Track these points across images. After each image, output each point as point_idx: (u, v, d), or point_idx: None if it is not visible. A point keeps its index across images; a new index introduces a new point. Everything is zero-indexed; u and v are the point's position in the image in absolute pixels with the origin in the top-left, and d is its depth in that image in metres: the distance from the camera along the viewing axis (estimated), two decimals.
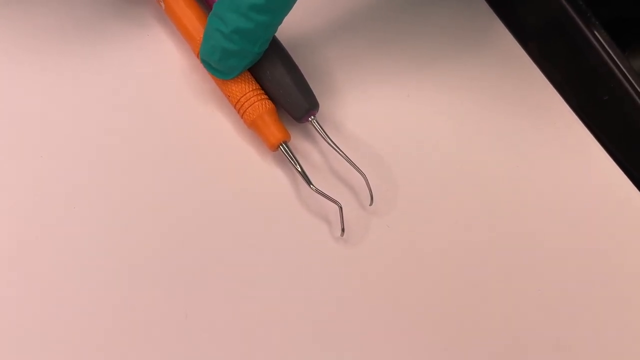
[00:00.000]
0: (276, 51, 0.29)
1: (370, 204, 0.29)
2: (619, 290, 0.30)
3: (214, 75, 0.29)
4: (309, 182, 0.28)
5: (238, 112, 0.29)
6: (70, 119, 0.29)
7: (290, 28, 0.32)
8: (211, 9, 0.29)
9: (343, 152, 0.29)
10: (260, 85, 0.29)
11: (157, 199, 0.28)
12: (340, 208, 0.28)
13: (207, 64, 0.28)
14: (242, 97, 0.29)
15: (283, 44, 0.30)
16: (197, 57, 0.30)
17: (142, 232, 0.28)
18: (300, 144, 0.31)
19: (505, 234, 0.30)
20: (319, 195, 0.28)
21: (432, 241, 0.30)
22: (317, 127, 0.29)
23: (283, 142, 0.29)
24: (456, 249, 0.30)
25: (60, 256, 0.27)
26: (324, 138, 0.29)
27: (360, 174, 0.29)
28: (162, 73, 0.31)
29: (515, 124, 0.33)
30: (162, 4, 0.30)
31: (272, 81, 0.29)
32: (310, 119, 0.29)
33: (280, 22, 0.27)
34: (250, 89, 0.29)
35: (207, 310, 0.27)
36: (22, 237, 0.27)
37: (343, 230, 0.28)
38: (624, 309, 0.30)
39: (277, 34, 0.30)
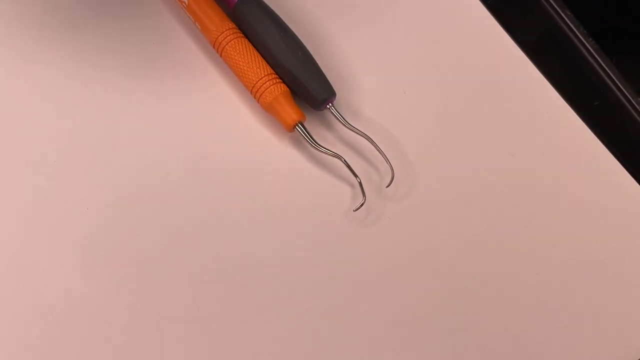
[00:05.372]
0: (291, 44, 0.31)
1: (389, 184, 0.30)
2: (619, 284, 0.31)
3: None
4: (314, 143, 0.29)
5: (254, 97, 0.30)
6: (80, 124, 0.30)
7: (303, 19, 0.33)
8: (231, 9, 0.31)
9: (364, 133, 0.30)
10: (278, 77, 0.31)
11: (175, 184, 0.29)
12: (357, 177, 0.29)
13: None
14: (257, 81, 0.30)
15: (298, 36, 0.31)
16: (217, 51, 0.31)
17: (155, 224, 0.28)
18: (317, 132, 0.31)
19: (510, 229, 0.31)
20: (334, 176, 0.29)
21: (440, 229, 0.30)
22: (336, 112, 0.30)
23: (299, 123, 0.30)
24: (464, 238, 0.30)
25: (75, 255, 0.27)
26: (342, 123, 0.30)
27: (381, 153, 0.30)
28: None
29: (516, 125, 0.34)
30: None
31: (289, 73, 0.30)
32: (328, 106, 0.30)
33: None
34: (265, 74, 0.30)
35: (218, 303, 0.27)
36: (35, 239, 0.27)
37: (363, 202, 0.29)
38: (626, 306, 0.30)
39: (291, 26, 0.31)
